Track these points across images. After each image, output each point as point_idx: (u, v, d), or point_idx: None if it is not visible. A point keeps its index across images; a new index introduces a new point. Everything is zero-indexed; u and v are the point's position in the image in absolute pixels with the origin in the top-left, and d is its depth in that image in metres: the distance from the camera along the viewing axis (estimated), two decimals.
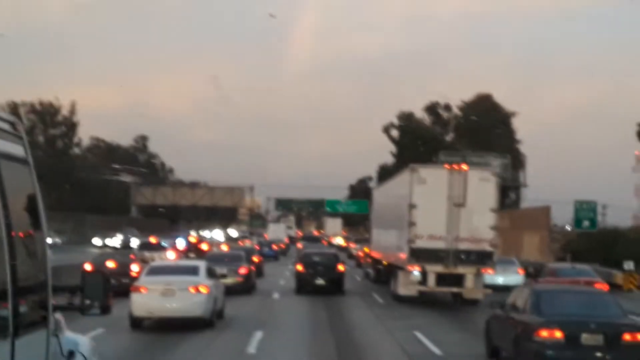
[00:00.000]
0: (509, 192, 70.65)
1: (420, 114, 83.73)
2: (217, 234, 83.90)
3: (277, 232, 78.76)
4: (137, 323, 17.46)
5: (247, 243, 55.16)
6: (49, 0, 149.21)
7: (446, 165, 25.72)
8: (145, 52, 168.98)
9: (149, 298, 17.16)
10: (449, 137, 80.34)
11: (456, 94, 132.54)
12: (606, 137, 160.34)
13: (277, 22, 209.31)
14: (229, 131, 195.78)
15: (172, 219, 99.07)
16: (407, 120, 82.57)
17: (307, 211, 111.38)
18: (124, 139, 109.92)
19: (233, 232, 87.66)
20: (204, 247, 48.71)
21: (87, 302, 6.58)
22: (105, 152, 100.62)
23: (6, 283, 4.97)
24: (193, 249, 46.48)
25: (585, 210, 44.19)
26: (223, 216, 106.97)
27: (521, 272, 31.88)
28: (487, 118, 71.09)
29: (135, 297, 17.40)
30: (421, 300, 25.04)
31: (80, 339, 7.25)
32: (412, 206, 23.84)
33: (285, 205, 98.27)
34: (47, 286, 5.87)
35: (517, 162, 70.82)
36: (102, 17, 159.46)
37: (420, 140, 78.14)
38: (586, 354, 12.67)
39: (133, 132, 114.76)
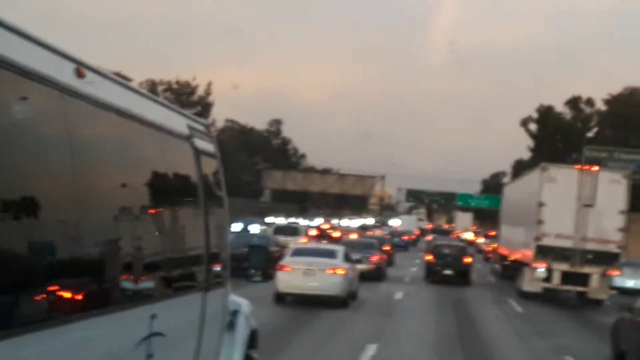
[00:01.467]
0: None
1: (560, 108, 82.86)
2: (349, 222, 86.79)
3: (408, 223, 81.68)
4: (280, 298, 20.50)
5: (378, 233, 57.94)
6: None
7: (577, 166, 27.34)
8: (286, 39, 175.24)
9: (293, 276, 20.15)
10: (592, 132, 78.90)
11: (602, 90, 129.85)
12: None
13: (418, 11, 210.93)
14: (364, 120, 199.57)
15: (302, 204, 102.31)
16: (546, 114, 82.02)
17: (438, 204, 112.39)
18: (259, 123, 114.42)
19: (366, 221, 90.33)
20: (336, 234, 51.79)
21: (252, 271, 9.16)
22: (239, 134, 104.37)
23: (204, 251, 7.01)
24: (326, 236, 49.47)
25: None
26: (353, 204, 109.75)
27: None
28: (636, 112, 67.36)
29: (280, 275, 20.42)
30: (545, 298, 26.70)
31: (242, 302, 9.02)
32: (541, 204, 25.70)
33: (416, 197, 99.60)
34: (227, 254, 8.24)
35: None
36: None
37: (559, 135, 77.87)
38: None
39: (268, 117, 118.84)
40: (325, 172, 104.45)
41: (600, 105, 79.00)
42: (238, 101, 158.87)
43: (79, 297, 4.54)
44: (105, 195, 5.08)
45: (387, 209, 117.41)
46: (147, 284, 5.78)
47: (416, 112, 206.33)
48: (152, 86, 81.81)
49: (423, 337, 17.50)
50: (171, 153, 6.49)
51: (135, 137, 5.60)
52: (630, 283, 29.94)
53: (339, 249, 22.75)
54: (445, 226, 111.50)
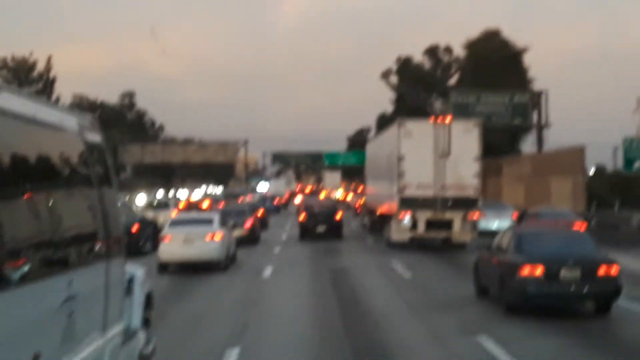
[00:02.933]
0: (522, 134, 68.47)
1: (420, 58, 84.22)
2: (215, 191, 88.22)
3: (278, 187, 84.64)
4: (163, 267, 22.04)
5: (248, 199, 60.03)
6: None
7: (431, 119, 30.02)
8: (129, 11, 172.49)
9: (173, 246, 21.72)
10: (453, 80, 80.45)
11: (461, 35, 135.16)
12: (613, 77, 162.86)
13: None
14: (223, 89, 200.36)
15: (166, 177, 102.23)
16: (405, 66, 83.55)
17: (305, 165, 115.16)
18: (111, 98, 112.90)
19: (233, 189, 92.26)
20: (205, 204, 53.33)
21: (141, 242, 10.72)
22: (89, 109, 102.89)
23: (102, 227, 8.38)
24: (194, 207, 50.82)
25: (636, 150, 41.86)
26: (219, 173, 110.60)
27: (515, 216, 35.35)
28: (495, 56, 68.05)
29: (162, 246, 21.98)
30: (412, 246, 29.39)
31: (137, 269, 10.61)
32: (400, 158, 28.26)
33: (282, 160, 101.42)
34: (121, 229, 9.75)
35: (532, 100, 66.10)
36: None
37: (420, 85, 79.14)
38: (565, 287, 14.73)
39: (119, 91, 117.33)
40: (186, 142, 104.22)
41: (460, 52, 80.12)
42: (88, 79, 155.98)
43: (15, 271, 6.01)
44: (26, 187, 6.54)
45: (254, 175, 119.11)
46: (63, 255, 7.28)
47: (275, 76, 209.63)
48: None
49: (303, 276, 20.32)
50: (67, 146, 7.95)
51: (40, 136, 7.09)
52: (494, 225, 32.54)
53: (215, 216, 24.50)
54: (310, 187, 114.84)
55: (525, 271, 14.76)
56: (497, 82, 60.95)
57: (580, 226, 26.37)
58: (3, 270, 5.69)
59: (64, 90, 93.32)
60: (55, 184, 7.42)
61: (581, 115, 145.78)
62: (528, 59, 71.96)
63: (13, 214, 6.19)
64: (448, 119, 29.30)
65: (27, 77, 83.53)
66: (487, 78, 63.24)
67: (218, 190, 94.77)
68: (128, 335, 9.37)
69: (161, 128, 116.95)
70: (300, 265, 24.48)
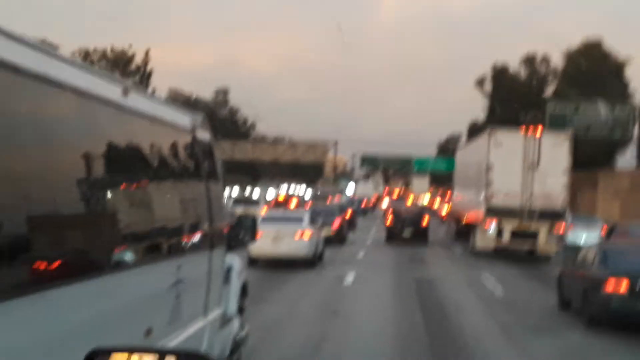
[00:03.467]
0: (620, 148, 65.78)
1: (516, 67, 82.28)
2: (304, 191, 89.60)
3: (365, 189, 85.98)
4: (253, 262, 23.17)
5: (336, 200, 61.20)
6: None
7: (521, 129, 30.36)
8: (229, 10, 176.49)
9: (263, 242, 22.77)
10: (549, 91, 78.17)
11: (560, 45, 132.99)
12: None
13: None
14: (315, 89, 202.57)
15: (255, 175, 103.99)
16: (500, 74, 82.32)
17: (393, 169, 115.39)
18: (205, 93, 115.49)
19: (323, 189, 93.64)
20: (292, 204, 54.52)
21: (241, 235, 11.66)
22: (184, 104, 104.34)
23: (208, 218, 9.36)
24: (282, 205, 52.15)
25: None
26: (308, 173, 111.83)
27: (604, 231, 35.25)
28: (596, 68, 66.50)
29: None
30: (497, 255, 29.85)
31: (235, 259, 12.00)
32: (489, 167, 28.72)
33: (370, 162, 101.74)
34: (224, 221, 10.76)
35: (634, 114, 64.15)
36: None
37: (514, 95, 77.93)
38: None
39: (214, 86, 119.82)
40: (276, 141, 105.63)
41: (557, 63, 78.89)
42: (182, 72, 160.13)
43: (136, 252, 6.92)
44: (141, 179, 7.45)
45: (342, 176, 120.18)
46: (176, 242, 8.23)
47: (367, 78, 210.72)
48: (86, 55, 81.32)
49: (386, 287, 20.76)
50: (180, 143, 8.91)
51: (159, 134, 8.02)
52: (582, 239, 32.31)
53: (305, 214, 25.65)
54: (398, 192, 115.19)
55: (610, 286, 14.95)
56: (596, 94, 59.82)
57: None
58: (124, 251, 6.55)
59: (160, 84, 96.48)
60: (170, 177, 8.29)
61: None
62: (630, 72, 70.28)
63: (136, 203, 7.10)
64: (539, 130, 29.60)
65: (125, 69, 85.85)
66: (586, 90, 62.29)
67: (302, 189, 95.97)
68: (225, 320, 10.18)
69: (253, 126, 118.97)
70: (385, 270, 25.00)
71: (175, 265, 7.80)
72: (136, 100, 7.14)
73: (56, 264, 5.14)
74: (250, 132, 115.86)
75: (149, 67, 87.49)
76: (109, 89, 6.51)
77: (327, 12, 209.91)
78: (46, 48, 5.58)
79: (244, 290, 11.57)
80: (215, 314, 9.48)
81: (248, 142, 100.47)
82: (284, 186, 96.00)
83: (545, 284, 21.30)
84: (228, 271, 10.78)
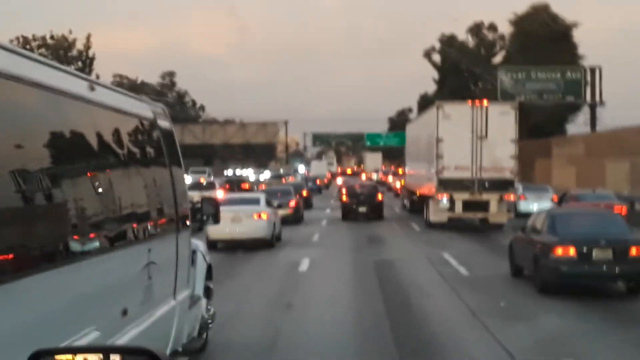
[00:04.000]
0: (569, 114, 66.00)
1: (463, 37, 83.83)
2: (258, 173, 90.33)
3: (319, 168, 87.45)
4: (212, 245, 23.72)
5: (291, 180, 62.33)
6: None
7: (469, 102, 31.35)
8: None
9: (221, 224, 23.25)
10: (498, 58, 79.45)
11: (506, 12, 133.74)
12: None
13: None
14: (263, 69, 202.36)
15: (206, 158, 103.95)
16: (448, 44, 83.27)
17: (346, 146, 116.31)
18: (151, 78, 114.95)
19: (301, 168, 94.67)
20: (245, 186, 55.24)
21: (204, 217, 12.25)
22: (129, 89, 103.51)
23: (173, 202, 9.95)
24: (235, 188, 52.75)
25: None
26: (260, 154, 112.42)
27: (555, 199, 36.43)
28: (544, 31, 65.36)
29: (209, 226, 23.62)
30: (450, 226, 31.00)
31: (199, 242, 12.34)
32: (439, 140, 29.67)
33: (323, 140, 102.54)
34: (188, 205, 11.34)
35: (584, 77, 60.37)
36: None
37: (464, 64, 79.14)
38: (597, 267, 15.38)
39: (160, 71, 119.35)
40: (226, 122, 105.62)
41: (505, 30, 78.91)
42: (129, 59, 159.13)
43: (110, 237, 7.46)
44: (110, 167, 8.00)
45: (295, 156, 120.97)
46: (145, 227, 8.81)
47: (316, 56, 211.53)
48: (25, 43, 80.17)
49: (344, 263, 21.43)
50: (143, 132, 9.47)
51: (123, 124, 8.57)
52: (534, 207, 33.04)
53: (261, 196, 26.34)
54: (350, 170, 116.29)
55: (559, 251, 15.48)
56: (545, 59, 59.36)
57: (620, 209, 27.15)
58: (103, 236, 7.12)
59: (104, 70, 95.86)
60: (137, 164, 8.83)
61: (635, 95, 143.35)
62: (578, 35, 69.70)
63: (106, 190, 7.53)
64: (485, 101, 30.60)
65: (66, 55, 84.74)
66: (535, 55, 61.56)
67: (249, 173, 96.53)
68: (193, 301, 10.74)
69: (202, 108, 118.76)
70: (342, 250, 25.00)
71: (146, 248, 8.36)
72: (102, 94, 7.70)
73: (37, 251, 5.71)
74: (200, 115, 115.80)
75: (90, 53, 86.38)
76: (77, 84, 7.07)
77: None
78: (23, 52, 6.25)
79: (209, 272, 12.13)
80: (183, 294, 10.02)
81: (198, 124, 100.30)
82: (238, 169, 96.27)
83: (497, 253, 22.23)
84: (193, 253, 11.27)
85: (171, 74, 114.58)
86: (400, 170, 70.05)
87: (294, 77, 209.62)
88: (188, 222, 10.83)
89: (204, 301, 11.47)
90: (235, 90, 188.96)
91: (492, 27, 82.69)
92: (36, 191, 5.81)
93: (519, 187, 37.26)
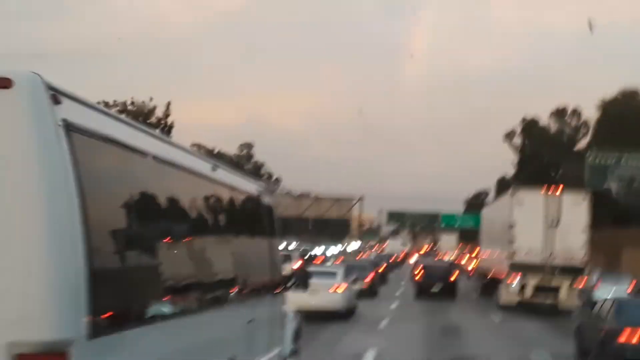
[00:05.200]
0: None
1: (545, 121, 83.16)
2: (333, 249, 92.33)
3: (394, 246, 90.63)
4: None
5: (365, 256, 64.43)
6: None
7: (543, 189, 33.04)
8: (256, 68, 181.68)
9: (300, 295, 25.26)
10: (580, 144, 79.39)
11: (590, 98, 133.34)
12: None
13: (392, 34, 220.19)
14: (342, 146, 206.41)
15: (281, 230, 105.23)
16: (530, 127, 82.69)
17: (420, 225, 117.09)
18: (229, 149, 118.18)
19: (351, 246, 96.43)
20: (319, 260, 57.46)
21: (296, 284, 14.28)
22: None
23: (271, 269, 11.91)
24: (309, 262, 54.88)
25: None
26: (333, 229, 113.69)
27: (632, 286, 36.60)
28: (633, 117, 63.85)
29: (289, 295, 25.66)
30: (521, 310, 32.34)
31: (288, 307, 14.52)
32: (512, 225, 31.40)
33: (397, 219, 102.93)
34: (282, 272, 13.35)
35: None
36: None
37: (545, 149, 78.85)
38: None
39: (238, 142, 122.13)
40: (301, 196, 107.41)
41: (588, 116, 78.34)
42: (206, 127, 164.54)
43: (224, 294, 9.27)
44: (228, 236, 9.97)
45: (369, 233, 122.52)
46: (251, 287, 10.80)
47: (395, 134, 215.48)
48: (106, 107, 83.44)
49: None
50: (250, 206, 11.57)
51: (236, 199, 10.59)
52: (609, 295, 33.92)
53: (339, 269, 28.40)
54: (426, 248, 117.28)
55: (624, 337, 16.48)
56: (634, 147, 57.70)
57: None
58: (219, 294, 9.02)
59: (183, 139, 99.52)
60: (245, 234, 10.80)
61: None
62: None
63: (224, 255, 9.45)
64: (559, 190, 32.29)
65: (146, 121, 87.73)
66: (623, 141, 59.54)
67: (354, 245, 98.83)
68: (282, 358, 12.19)
69: (277, 181, 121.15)
70: (413, 327, 26.85)
71: (251, 306, 10.21)
72: (221, 174, 9.77)
73: (173, 300, 7.18)
74: (276, 188, 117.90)
75: (169, 120, 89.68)
76: (204, 165, 9.17)
77: (351, 69, 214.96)
78: (173, 142, 8.45)
79: (297, 334, 13.99)
80: (275, 351, 11.73)
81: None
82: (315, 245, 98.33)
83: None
84: (284, 315, 12.83)
85: (249, 146, 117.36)
86: (474, 253, 71.09)
87: (372, 155, 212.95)
88: (283, 287, 12.83)
89: None
90: (312, 165, 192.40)
91: (576, 112, 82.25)
92: (171, 254, 7.43)
93: (595, 274, 38.48)
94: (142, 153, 6.80)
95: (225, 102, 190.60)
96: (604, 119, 69.11)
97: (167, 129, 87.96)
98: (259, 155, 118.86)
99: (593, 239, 60.55)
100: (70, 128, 5.37)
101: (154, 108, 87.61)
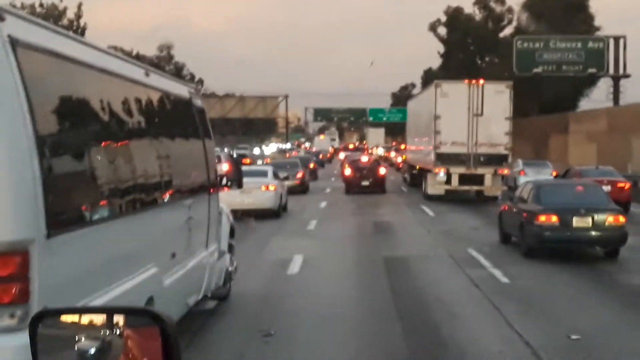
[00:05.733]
0: (584, 87, 65.51)
1: (470, 10, 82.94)
2: (260, 149, 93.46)
3: (323, 143, 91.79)
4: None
5: (294, 155, 66.00)
6: None
7: (465, 80, 34.13)
8: None
9: (231, 195, 26.00)
10: (507, 31, 79.08)
11: None
12: None
13: None
14: (264, 44, 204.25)
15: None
16: (454, 17, 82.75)
17: (348, 121, 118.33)
18: (148, 51, 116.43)
19: (272, 147, 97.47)
20: (246, 161, 58.25)
21: (229, 183, 14.93)
22: None
23: (206, 168, 12.49)
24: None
25: None
26: (260, 130, 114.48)
27: (554, 174, 38.77)
28: (558, 1, 63.89)
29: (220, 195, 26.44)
30: (448, 198, 34.17)
31: (224, 206, 14.82)
32: (437, 117, 32.56)
33: (324, 116, 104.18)
34: (216, 171, 13.96)
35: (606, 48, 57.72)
36: None
37: (470, 38, 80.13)
38: (577, 233, 17.84)
39: (157, 44, 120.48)
40: (225, 96, 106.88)
41: (512, 2, 79.96)
42: (123, 31, 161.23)
43: (165, 193, 9.83)
44: (163, 139, 10.40)
45: (296, 131, 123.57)
46: (188, 186, 11.37)
47: (318, 31, 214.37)
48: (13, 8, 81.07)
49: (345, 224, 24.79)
50: (182, 109, 12.07)
51: (169, 103, 11.05)
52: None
53: (269, 169, 29.26)
54: (352, 145, 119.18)
55: (542, 218, 17.81)
56: (559, 32, 57.92)
57: (623, 186, 29.86)
58: (159, 194, 9.57)
59: (98, 42, 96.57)
60: (181, 136, 11.34)
61: None
62: (594, 5, 71.80)
63: (160, 157, 9.85)
64: (481, 80, 33.42)
65: (57, 23, 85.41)
66: (548, 28, 60.20)
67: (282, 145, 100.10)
68: (220, 253, 12.81)
69: (200, 82, 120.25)
70: (345, 217, 28.88)
71: (188, 203, 10.78)
72: (154, 79, 10.19)
73: (119, 201, 7.81)
74: (198, 89, 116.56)
75: (82, 22, 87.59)
76: (138, 72, 9.58)
77: None
78: (103, 48, 8.85)
79: (232, 231, 14.72)
80: (213, 247, 12.39)
81: None
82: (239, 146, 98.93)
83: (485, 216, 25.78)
84: (220, 214, 13.27)
85: (169, 47, 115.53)
86: (402, 146, 72.92)
87: (295, 53, 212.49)
88: (217, 186, 13.45)
89: (228, 256, 13.66)
90: (235, 66, 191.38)
91: (500, 0, 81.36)
92: (115, 159, 7.84)
93: (518, 162, 40.45)
94: (83, 63, 7.21)
95: (140, 5, 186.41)
96: (528, 4, 69.39)
97: (80, 32, 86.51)
98: (179, 56, 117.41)
99: (521, 126, 63.99)
100: (15, 43, 5.79)
101: (65, 10, 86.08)
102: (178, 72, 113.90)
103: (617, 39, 56.32)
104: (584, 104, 66.76)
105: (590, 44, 55.81)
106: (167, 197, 9.73)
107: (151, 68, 10.64)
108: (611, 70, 56.45)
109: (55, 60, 6.62)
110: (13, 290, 5.71)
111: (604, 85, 63.02)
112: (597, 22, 66.44)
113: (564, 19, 61.55)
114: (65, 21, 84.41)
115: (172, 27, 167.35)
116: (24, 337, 5.36)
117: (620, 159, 41.78)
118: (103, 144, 7.58)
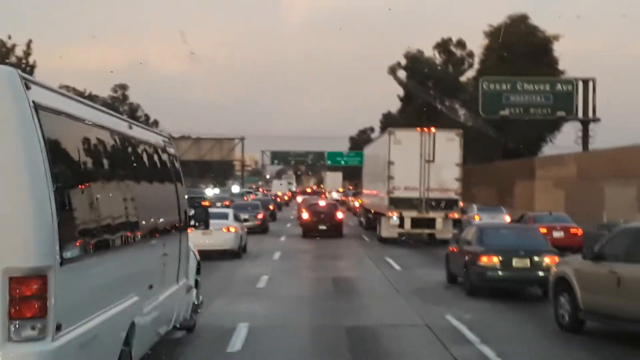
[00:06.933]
0: (548, 133, 66.89)
1: (430, 54, 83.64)
2: (213, 191, 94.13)
3: (280, 187, 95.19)
4: None
5: (252, 198, 67.92)
6: None
7: (418, 128, 36.65)
8: (126, 9, 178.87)
9: (194, 236, 27.74)
10: (468, 74, 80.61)
11: (472, 32, 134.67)
12: None
13: None
14: (222, 87, 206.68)
15: None
16: (414, 60, 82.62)
17: (305, 165, 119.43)
18: (102, 91, 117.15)
19: (235, 189, 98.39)
20: (206, 203, 60.15)
21: (197, 224, 16.70)
22: None
23: (178, 209, 14.17)
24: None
25: None
26: (217, 172, 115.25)
27: (509, 219, 40.97)
28: (522, 44, 64.43)
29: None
30: (401, 241, 36.76)
31: (192, 245, 16.54)
32: (390, 163, 34.98)
33: (281, 159, 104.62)
34: (187, 211, 15.74)
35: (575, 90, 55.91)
36: None
37: (431, 82, 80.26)
38: (516, 273, 19.62)
39: (112, 84, 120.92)
40: (181, 138, 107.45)
41: (475, 47, 79.45)
42: (79, 72, 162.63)
43: (145, 231, 11.19)
44: (142, 182, 11.78)
45: (253, 174, 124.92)
46: (163, 225, 13.02)
47: (277, 75, 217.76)
48: None
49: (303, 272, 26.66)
50: (159, 157, 13.77)
51: (148, 151, 12.63)
52: None
53: (230, 211, 31.33)
54: (310, 189, 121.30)
55: (484, 259, 19.58)
56: (523, 75, 57.72)
57: (576, 231, 31.86)
58: (142, 231, 11.00)
59: (49, 81, 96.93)
60: (158, 181, 13.00)
61: (623, 114, 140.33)
62: (559, 49, 68.09)
63: (143, 199, 11.24)
64: (433, 129, 35.94)
65: (5, 61, 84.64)
66: (512, 70, 59.86)
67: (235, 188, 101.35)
68: (188, 288, 14.28)
69: (155, 123, 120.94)
70: (303, 259, 30.96)
71: (163, 241, 12.42)
72: (136, 131, 11.96)
73: (112, 237, 9.12)
74: (171, 137, 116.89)
75: (31, 60, 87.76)
76: (121, 124, 11.33)
77: (232, 10, 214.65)
78: (96, 105, 10.68)
79: (198, 268, 16.37)
80: (182, 282, 14.01)
81: None
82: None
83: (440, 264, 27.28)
84: (188, 251, 14.68)
85: (123, 87, 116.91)
86: (359, 190, 75.25)
87: (254, 96, 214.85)
88: (187, 226, 15.26)
89: (194, 291, 15.20)
90: (192, 108, 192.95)
91: (461, 44, 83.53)
92: (110, 202, 9.25)
93: (473, 207, 43.03)
94: (86, 121, 8.92)
95: (96, 48, 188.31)
96: (492, 47, 69.77)
97: (28, 70, 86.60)
98: (134, 97, 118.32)
99: (485, 171, 65.55)
100: (38, 107, 7.39)
101: (13, 46, 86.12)
102: (133, 113, 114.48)
103: (585, 82, 55.42)
104: (548, 150, 67.17)
105: (559, 87, 55.04)
106: (148, 233, 11.11)
107: (134, 122, 12.50)
108: (580, 114, 55.62)
109: (66, 119, 8.22)
110: (35, 307, 7.05)
111: (570, 130, 62.71)
112: (561, 66, 67.61)
113: (527, 62, 62.10)
114: (13, 59, 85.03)
115: (127, 69, 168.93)
116: (44, 345, 7.37)
117: (592, 207, 41.17)
118: (101, 189, 9.12)
